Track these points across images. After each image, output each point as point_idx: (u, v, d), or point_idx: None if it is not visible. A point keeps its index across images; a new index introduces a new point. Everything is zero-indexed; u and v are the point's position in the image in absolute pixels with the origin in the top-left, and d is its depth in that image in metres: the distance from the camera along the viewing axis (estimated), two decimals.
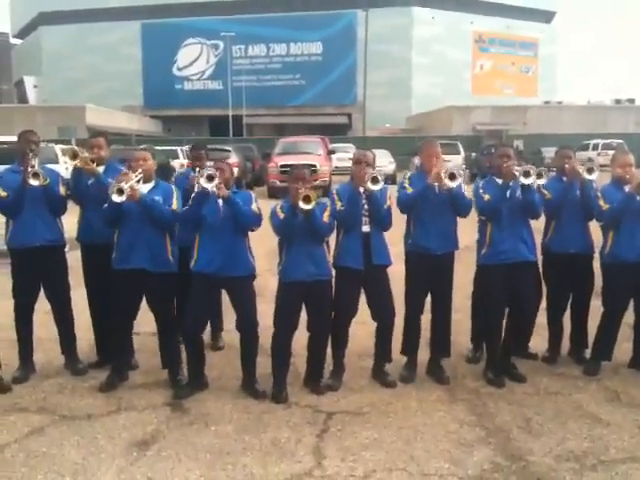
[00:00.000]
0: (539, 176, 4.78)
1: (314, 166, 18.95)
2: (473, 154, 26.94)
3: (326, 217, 4.64)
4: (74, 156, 4.89)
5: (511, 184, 4.82)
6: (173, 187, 4.92)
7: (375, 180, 4.60)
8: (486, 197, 4.91)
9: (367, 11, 45.58)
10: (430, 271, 4.93)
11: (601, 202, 5.03)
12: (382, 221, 4.82)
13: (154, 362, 5.14)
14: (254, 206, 4.64)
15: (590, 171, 5.12)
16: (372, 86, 52.05)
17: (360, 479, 3.60)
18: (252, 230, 4.73)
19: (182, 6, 63.94)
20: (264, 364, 4.84)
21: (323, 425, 4.26)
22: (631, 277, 4.97)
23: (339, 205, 4.78)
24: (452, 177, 4.70)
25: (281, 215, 4.57)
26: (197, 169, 5.57)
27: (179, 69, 64.43)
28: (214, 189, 4.38)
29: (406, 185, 4.97)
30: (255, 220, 4.64)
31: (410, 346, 5.11)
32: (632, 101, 52.62)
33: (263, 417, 4.37)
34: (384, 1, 59.32)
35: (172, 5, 64.15)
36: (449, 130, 42.94)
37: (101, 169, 5.02)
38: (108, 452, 3.91)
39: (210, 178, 4.37)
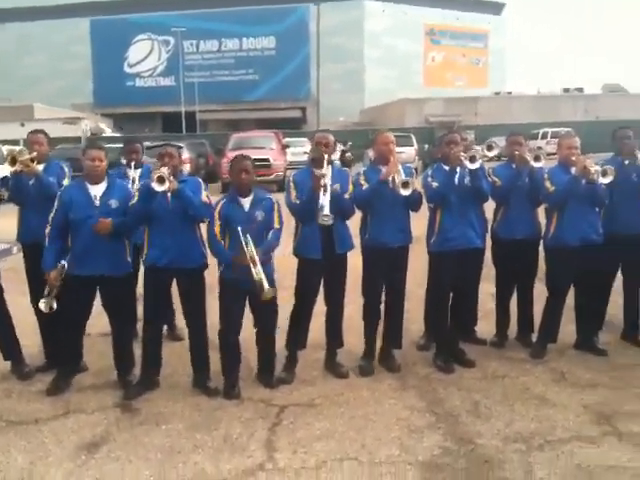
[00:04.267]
0: (472, 160, 4.81)
1: (267, 160, 18.91)
2: (426, 146, 27.19)
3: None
4: (13, 161, 4.77)
5: (458, 170, 4.89)
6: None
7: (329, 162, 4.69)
8: (434, 184, 4.97)
9: (319, 5, 45.57)
10: (386, 264, 4.94)
11: (547, 184, 5.14)
12: (342, 211, 4.80)
13: (103, 363, 5.07)
14: (204, 195, 4.59)
15: (537, 159, 5.23)
16: (326, 80, 52.14)
17: (312, 470, 3.61)
18: (202, 221, 4.68)
19: (131, 2, 62.72)
20: (216, 359, 4.81)
21: (275, 419, 4.26)
22: (574, 260, 5.10)
23: (293, 196, 4.77)
24: (405, 185, 4.68)
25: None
26: (132, 163, 5.59)
27: (130, 66, 63.41)
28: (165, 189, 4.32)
29: (362, 182, 4.95)
30: (205, 211, 4.57)
31: (369, 336, 5.10)
32: (580, 90, 53.76)
33: (215, 414, 4.34)
34: None
35: (121, 1, 62.96)
36: (402, 122, 43.25)
37: (42, 167, 4.92)
38: (56, 456, 3.84)
39: (161, 180, 4.30)
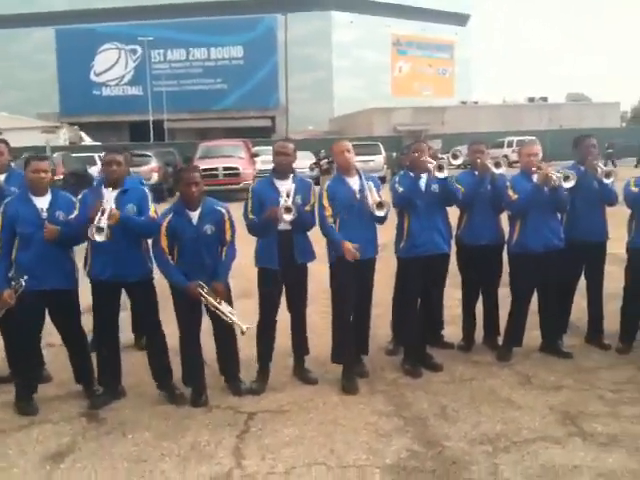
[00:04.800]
0: (440, 169, 4.88)
1: (236, 169, 18.87)
2: (394, 154, 27.41)
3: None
4: None
5: (424, 176, 4.96)
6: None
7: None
8: (400, 190, 5.03)
9: (286, 15, 45.75)
10: (354, 275, 4.83)
11: (510, 192, 5.23)
12: (302, 224, 4.76)
13: (68, 374, 4.97)
14: (152, 210, 4.45)
15: (497, 165, 5.33)
16: (295, 89, 52.32)
17: (280, 476, 3.60)
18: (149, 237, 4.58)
19: (97, 12, 62.21)
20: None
21: (244, 426, 4.25)
22: (537, 266, 5.19)
23: (249, 209, 4.75)
24: (380, 206, 4.71)
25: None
26: None
27: (96, 75, 62.86)
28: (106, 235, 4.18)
29: (325, 204, 4.82)
30: (151, 230, 4.44)
31: (345, 351, 4.94)
32: (545, 99, 54.84)
33: (183, 422, 4.31)
34: (303, 5, 59.68)
35: (87, 11, 62.35)
36: (371, 131, 43.59)
37: (2, 177, 4.85)
38: (20, 467, 3.78)
39: (100, 230, 4.16)
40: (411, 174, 5.05)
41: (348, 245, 4.62)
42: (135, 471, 3.69)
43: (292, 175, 4.85)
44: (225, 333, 4.67)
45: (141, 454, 3.89)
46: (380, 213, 4.70)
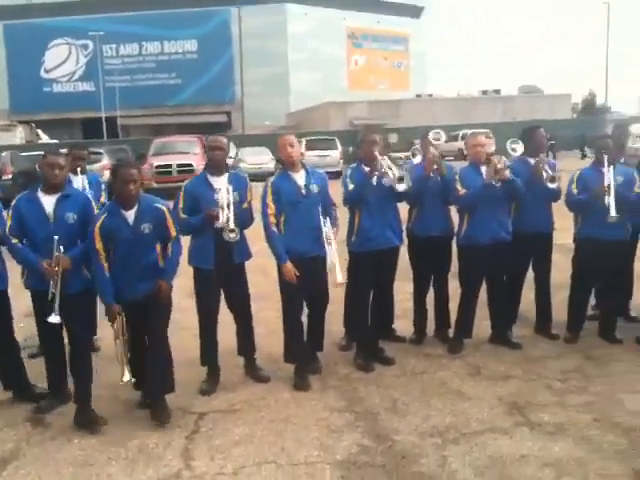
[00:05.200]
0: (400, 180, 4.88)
1: (190, 165, 18.65)
2: (350, 148, 27.49)
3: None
4: None
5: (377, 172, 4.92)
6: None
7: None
8: (351, 186, 5.01)
9: (240, 8, 45.38)
10: (306, 273, 4.75)
11: (458, 185, 5.27)
12: (241, 221, 4.66)
13: None
14: (96, 226, 4.15)
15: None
16: (250, 84, 51.99)
17: (229, 476, 3.57)
18: None
19: (46, 6, 60.72)
20: None
21: (194, 426, 4.20)
22: (485, 258, 5.25)
23: (180, 208, 4.66)
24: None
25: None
26: (78, 169, 5.54)
27: (47, 71, 61.38)
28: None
29: (268, 201, 4.74)
30: (90, 253, 4.21)
31: (298, 351, 4.91)
32: (498, 92, 55.58)
33: (131, 425, 4.23)
34: None
35: (35, 5, 60.85)
36: (328, 126, 43.64)
37: None
38: None
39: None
40: (365, 168, 5.02)
41: (289, 267, 4.62)
42: (81, 475, 3.62)
43: (227, 172, 4.78)
44: (156, 332, 4.34)
45: (87, 458, 3.81)
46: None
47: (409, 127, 39.47)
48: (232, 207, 4.53)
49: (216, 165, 4.77)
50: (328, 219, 4.88)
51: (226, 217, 4.49)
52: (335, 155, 24.13)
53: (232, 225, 4.46)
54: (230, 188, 4.60)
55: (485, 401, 4.45)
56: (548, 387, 4.65)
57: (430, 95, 57.37)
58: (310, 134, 31.49)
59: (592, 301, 5.88)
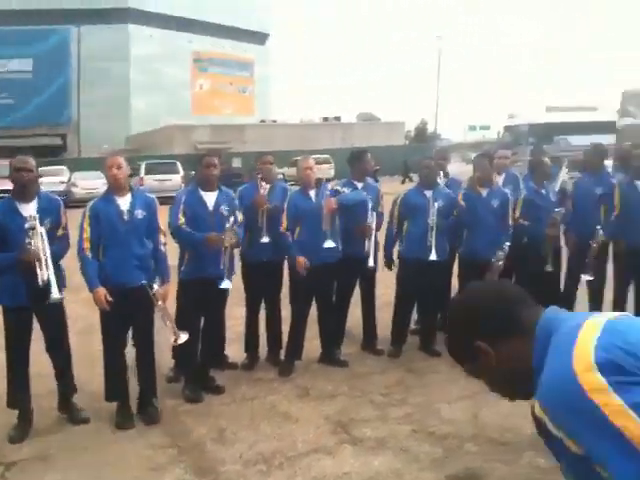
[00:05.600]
0: None
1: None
2: (193, 172, 27.19)
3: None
4: None
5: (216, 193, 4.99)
6: None
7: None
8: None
9: (80, 27, 43.51)
10: (128, 305, 4.48)
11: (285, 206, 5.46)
12: (56, 254, 4.35)
13: None
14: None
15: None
16: (89, 105, 49.86)
17: None
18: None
19: None
20: None
21: (0, 479, 3.84)
22: (313, 279, 5.34)
23: (86, 226, 4.46)
24: None
25: None
26: None
27: None
28: None
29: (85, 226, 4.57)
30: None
31: (119, 389, 4.64)
32: (338, 119, 57.51)
33: None
34: (99, 18, 57.24)
35: None
36: (171, 149, 42.81)
37: None
38: None
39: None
40: (201, 192, 4.97)
41: (100, 293, 4.36)
42: None
43: (37, 196, 4.45)
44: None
45: None
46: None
47: (252, 152, 39.72)
48: (48, 252, 4.19)
49: (24, 190, 4.39)
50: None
51: (46, 277, 4.14)
52: (176, 179, 23.69)
53: (55, 293, 4.17)
54: (37, 216, 4.27)
55: (312, 422, 4.48)
56: (371, 402, 4.78)
57: (274, 121, 58.21)
58: (152, 157, 30.75)
59: (414, 316, 6.17)
